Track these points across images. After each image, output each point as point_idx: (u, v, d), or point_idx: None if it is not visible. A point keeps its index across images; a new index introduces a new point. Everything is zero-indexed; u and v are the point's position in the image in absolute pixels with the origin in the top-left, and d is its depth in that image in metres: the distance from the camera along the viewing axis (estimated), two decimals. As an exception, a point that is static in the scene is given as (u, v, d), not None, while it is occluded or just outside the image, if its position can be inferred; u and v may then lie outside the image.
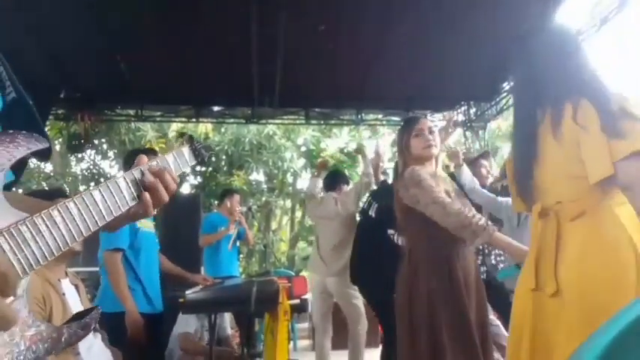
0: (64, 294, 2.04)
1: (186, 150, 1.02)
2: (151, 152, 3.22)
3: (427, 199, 2.20)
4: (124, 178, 0.85)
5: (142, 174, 0.87)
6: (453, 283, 2.21)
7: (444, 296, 2.19)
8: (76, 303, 2.11)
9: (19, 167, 0.83)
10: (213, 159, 11.21)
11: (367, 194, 4.12)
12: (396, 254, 2.70)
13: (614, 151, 1.42)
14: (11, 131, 0.78)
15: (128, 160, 3.10)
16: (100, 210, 0.79)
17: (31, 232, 0.70)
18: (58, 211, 0.73)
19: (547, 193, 1.62)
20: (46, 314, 1.77)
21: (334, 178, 4.69)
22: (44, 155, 0.87)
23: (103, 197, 0.80)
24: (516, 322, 1.61)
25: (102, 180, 10.48)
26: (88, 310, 0.81)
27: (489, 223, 2.10)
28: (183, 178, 11.71)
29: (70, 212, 0.75)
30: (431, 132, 2.44)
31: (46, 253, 0.71)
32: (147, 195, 0.87)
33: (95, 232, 0.80)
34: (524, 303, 1.59)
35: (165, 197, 0.90)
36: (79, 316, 0.80)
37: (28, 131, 0.80)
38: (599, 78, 1.59)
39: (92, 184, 10.59)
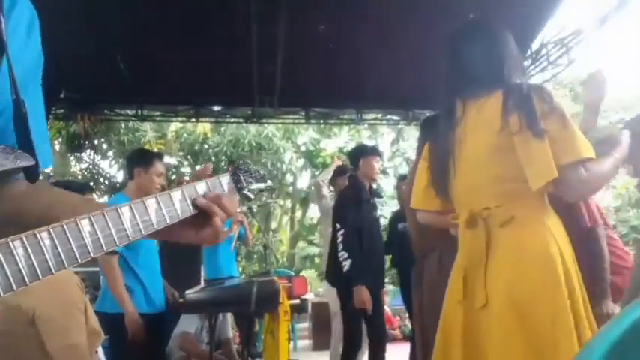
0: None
1: (224, 179, 0.84)
2: (157, 157, 3.21)
3: None
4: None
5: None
6: None
7: None
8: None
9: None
10: (213, 159, 11.18)
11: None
12: None
13: (558, 154, 1.38)
14: None
15: (135, 161, 3.09)
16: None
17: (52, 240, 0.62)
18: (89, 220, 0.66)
19: (474, 198, 1.54)
20: None
21: (335, 173, 4.71)
22: (30, 174, 0.72)
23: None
24: (444, 334, 1.56)
25: (101, 180, 10.50)
26: None
27: None
28: (181, 178, 11.68)
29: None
30: None
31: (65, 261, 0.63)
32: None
33: None
34: (453, 315, 1.53)
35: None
36: None
37: (20, 143, 0.70)
38: (524, 73, 1.59)
39: (92, 184, 10.56)
